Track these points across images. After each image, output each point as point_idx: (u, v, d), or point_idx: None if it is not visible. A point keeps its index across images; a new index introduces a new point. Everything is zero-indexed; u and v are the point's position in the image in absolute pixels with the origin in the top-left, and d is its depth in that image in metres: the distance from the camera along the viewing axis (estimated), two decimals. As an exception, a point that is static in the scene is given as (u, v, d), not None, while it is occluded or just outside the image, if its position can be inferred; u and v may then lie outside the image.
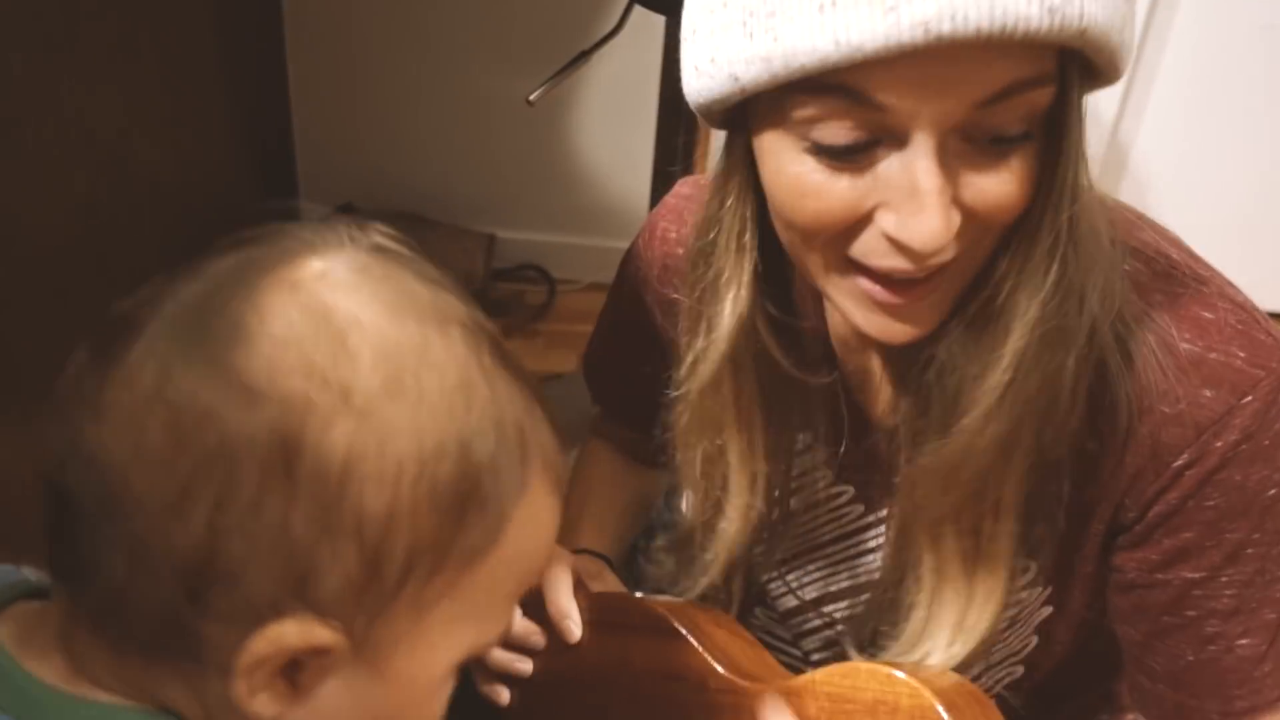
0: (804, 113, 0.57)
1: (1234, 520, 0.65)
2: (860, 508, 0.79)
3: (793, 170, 0.59)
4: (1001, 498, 0.66)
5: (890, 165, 0.57)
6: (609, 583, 0.85)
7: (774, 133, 0.59)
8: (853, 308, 0.64)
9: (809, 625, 0.85)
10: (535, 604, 0.77)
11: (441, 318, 0.46)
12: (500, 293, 2.31)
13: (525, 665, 0.78)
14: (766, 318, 0.69)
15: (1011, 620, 0.75)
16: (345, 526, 0.42)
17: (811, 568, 0.83)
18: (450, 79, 2.24)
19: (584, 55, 1.57)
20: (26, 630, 0.49)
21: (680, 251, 0.79)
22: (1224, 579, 0.67)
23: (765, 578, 0.85)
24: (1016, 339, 0.61)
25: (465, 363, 0.46)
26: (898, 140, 0.56)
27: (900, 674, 0.63)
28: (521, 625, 0.77)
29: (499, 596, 0.49)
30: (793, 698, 0.66)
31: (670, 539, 0.85)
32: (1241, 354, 0.64)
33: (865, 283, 0.62)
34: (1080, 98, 0.58)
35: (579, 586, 0.78)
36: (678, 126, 1.59)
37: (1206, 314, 0.65)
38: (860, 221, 0.59)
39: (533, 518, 0.47)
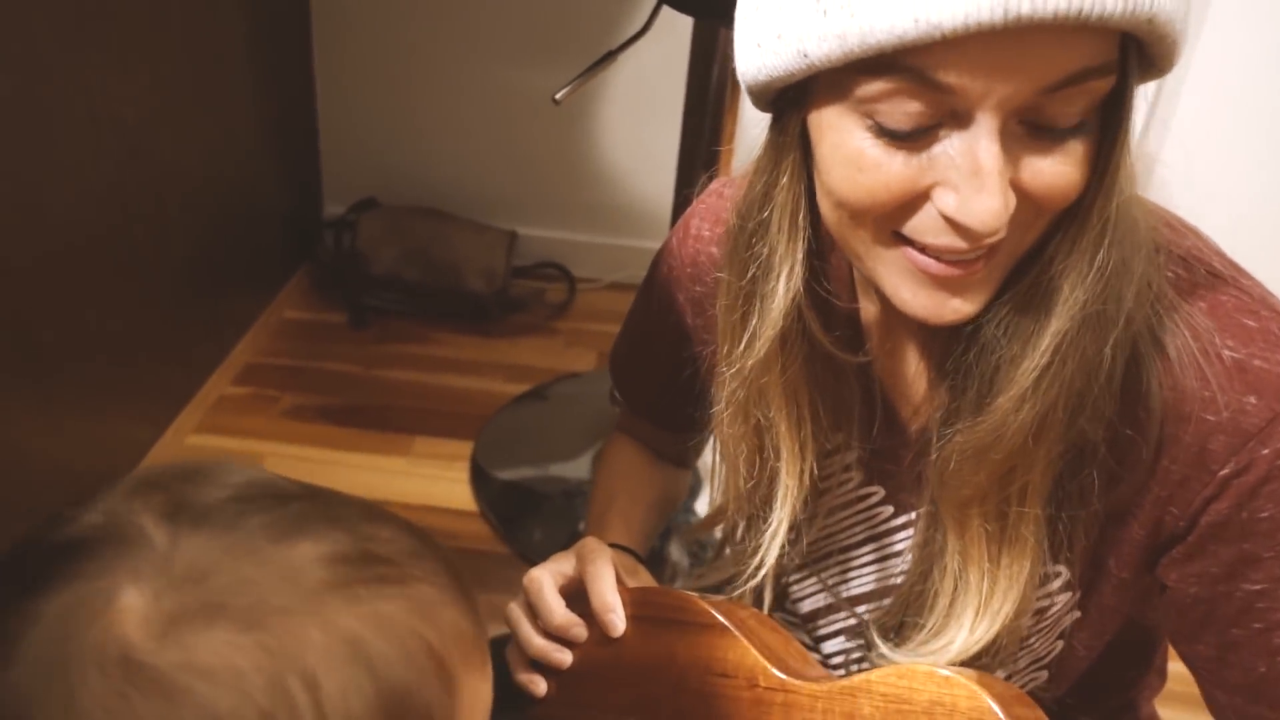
0: (868, 90, 0.57)
1: None
2: (890, 509, 0.79)
3: (852, 146, 0.59)
4: (1030, 482, 0.66)
5: (951, 145, 0.57)
6: (644, 579, 0.84)
7: (834, 109, 0.60)
8: (900, 284, 0.63)
9: (830, 628, 0.85)
10: (578, 596, 0.77)
11: (301, 592, 0.41)
12: (520, 290, 2.32)
13: (564, 656, 0.77)
14: (812, 297, 0.69)
15: (1037, 623, 0.75)
16: None
17: (837, 570, 0.83)
18: (476, 76, 2.24)
19: (611, 55, 1.57)
20: None
21: (714, 250, 0.79)
22: None
23: (788, 579, 0.85)
24: (1059, 322, 0.61)
25: (348, 628, 0.41)
26: (960, 121, 0.57)
27: (958, 676, 0.63)
28: (564, 617, 0.77)
29: None
30: (847, 697, 0.66)
31: (691, 533, 0.85)
32: None
33: (916, 256, 0.62)
34: (1136, 88, 0.58)
35: (619, 581, 0.77)
36: (702, 128, 1.59)
37: (1249, 321, 0.65)
38: (916, 199, 0.60)
39: (474, 704, 0.46)
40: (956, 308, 0.63)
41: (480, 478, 1.85)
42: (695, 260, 0.83)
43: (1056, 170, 0.58)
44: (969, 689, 0.62)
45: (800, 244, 0.66)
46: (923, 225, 0.60)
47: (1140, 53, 0.57)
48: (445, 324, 2.24)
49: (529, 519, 1.77)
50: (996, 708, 0.62)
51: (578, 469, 1.86)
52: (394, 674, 0.42)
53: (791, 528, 0.78)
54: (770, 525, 0.76)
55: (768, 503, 0.76)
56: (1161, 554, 0.70)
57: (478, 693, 0.46)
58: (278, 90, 2.20)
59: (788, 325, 0.69)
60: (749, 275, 0.70)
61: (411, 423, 1.98)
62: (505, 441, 1.94)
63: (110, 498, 0.44)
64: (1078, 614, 0.74)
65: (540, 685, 0.78)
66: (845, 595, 0.83)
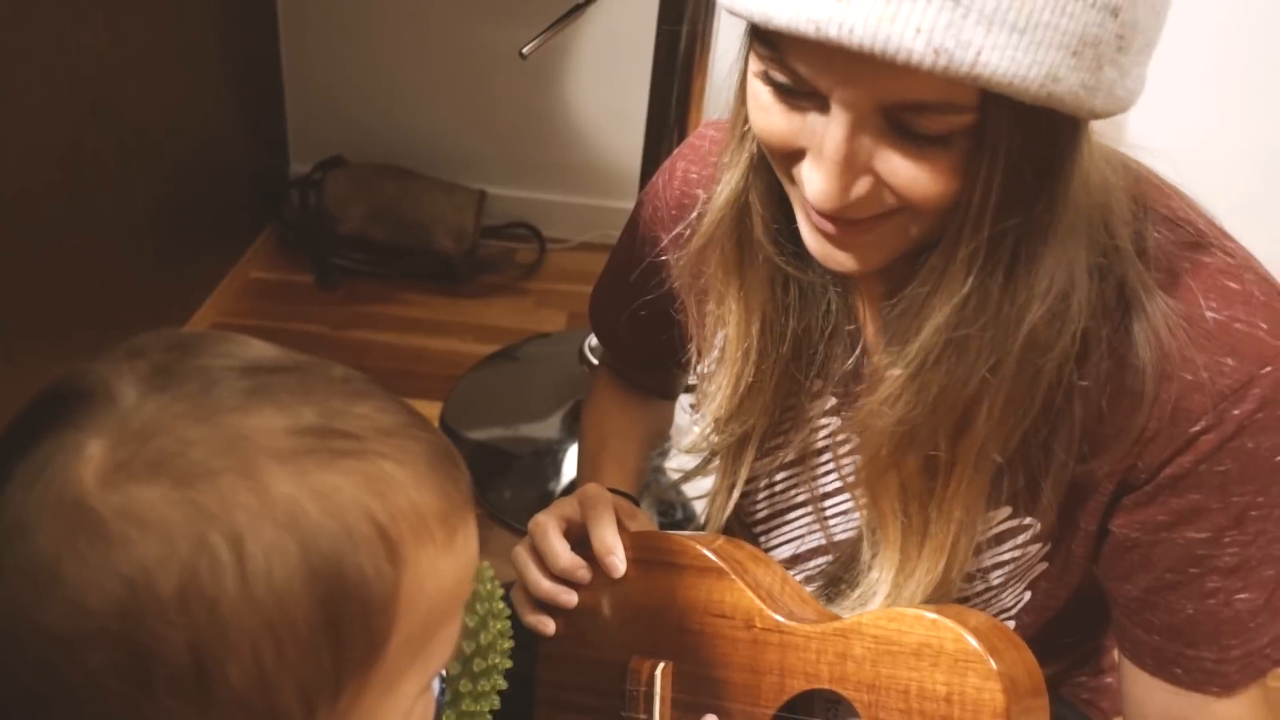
0: (758, 48, 0.62)
1: (1243, 485, 0.66)
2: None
3: (756, 87, 0.63)
4: (938, 460, 0.68)
5: (815, 119, 0.61)
6: (643, 522, 0.87)
7: (752, 51, 0.64)
8: (804, 226, 0.67)
9: (801, 576, 0.86)
10: (581, 541, 0.80)
11: (243, 457, 0.43)
12: (490, 250, 2.30)
13: (570, 597, 0.80)
14: (760, 204, 0.71)
15: (1008, 575, 0.76)
16: (226, 708, 0.43)
17: (801, 522, 0.83)
18: (443, 30, 2.21)
19: (579, 8, 1.56)
20: None
21: (699, 193, 0.81)
22: (1227, 539, 0.68)
23: (760, 529, 0.86)
24: (925, 337, 0.64)
25: (285, 495, 0.43)
26: (823, 102, 0.59)
27: (944, 619, 0.67)
28: (568, 559, 0.80)
29: (428, 650, 0.48)
30: (839, 638, 0.70)
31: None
32: (1264, 325, 0.65)
33: (810, 209, 0.65)
34: (1005, 132, 0.57)
35: (619, 525, 0.81)
36: (671, 85, 1.57)
37: (1232, 284, 0.66)
38: (795, 154, 0.63)
39: (427, 581, 0.46)
40: (841, 261, 0.66)
41: (450, 438, 1.83)
42: (680, 202, 0.83)
43: (912, 174, 0.59)
44: (955, 631, 0.66)
45: (745, 155, 0.70)
46: (801, 178, 0.63)
47: (1014, 104, 0.56)
48: (414, 284, 2.22)
49: (499, 479, 1.77)
50: (982, 649, 0.65)
51: (547, 429, 1.86)
52: (326, 543, 0.43)
53: (769, 472, 0.81)
54: (707, 417, 0.80)
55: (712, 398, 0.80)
56: (1119, 500, 0.71)
57: (436, 569, 0.47)
58: (241, 45, 2.16)
59: (723, 219, 0.72)
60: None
61: (380, 383, 1.96)
62: (475, 402, 1.93)
63: (107, 358, 0.46)
64: (1045, 565, 0.75)
65: (549, 625, 0.81)
66: (817, 545, 0.84)
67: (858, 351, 0.76)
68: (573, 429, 1.83)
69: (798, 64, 0.58)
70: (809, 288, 0.74)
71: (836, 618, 0.73)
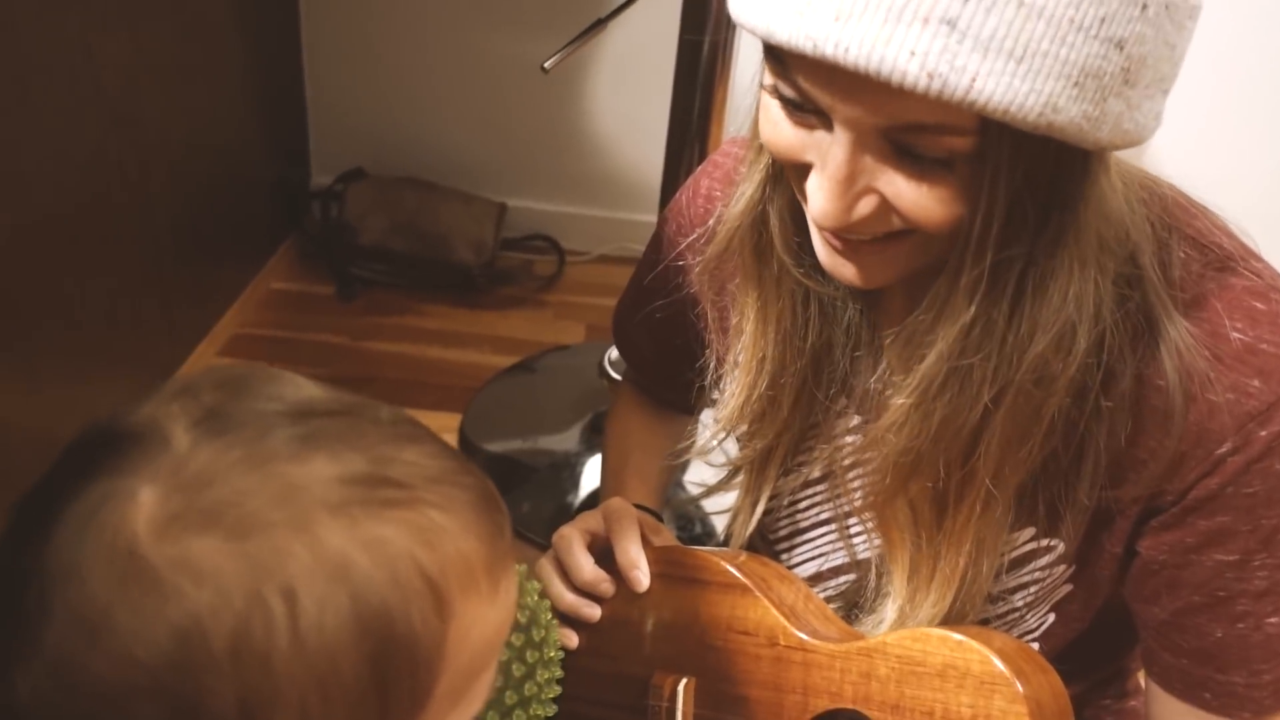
0: (769, 62, 0.62)
1: (1271, 507, 0.66)
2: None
3: (767, 101, 0.64)
4: (947, 489, 0.68)
5: (821, 136, 0.61)
6: (667, 538, 0.87)
7: (768, 65, 0.63)
8: (815, 234, 0.67)
9: (823, 594, 0.85)
10: (605, 553, 0.81)
11: (297, 509, 0.43)
12: (509, 262, 2.30)
13: (594, 611, 0.81)
14: (778, 214, 0.71)
15: (1032, 597, 0.75)
16: None
17: (823, 540, 0.83)
18: (465, 44, 2.22)
19: (600, 23, 1.56)
20: None
21: (721, 210, 0.80)
22: (1256, 562, 0.67)
23: (779, 549, 0.86)
24: (928, 365, 0.64)
25: (337, 547, 0.43)
26: (827, 120, 0.60)
27: (970, 640, 0.66)
28: (591, 572, 0.80)
29: (468, 696, 0.48)
30: (864, 657, 0.69)
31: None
32: None
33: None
34: (1019, 155, 0.57)
35: (644, 540, 0.81)
36: (693, 97, 1.57)
37: (1259, 304, 0.66)
38: (805, 168, 0.63)
39: (472, 631, 0.46)
40: (848, 275, 0.66)
41: (468, 450, 1.84)
42: (704, 219, 0.83)
43: (915, 196, 0.59)
44: (981, 653, 0.65)
45: (761, 167, 0.70)
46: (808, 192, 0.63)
47: (1014, 131, 0.55)
48: (433, 296, 2.22)
49: (517, 491, 1.76)
50: (1008, 671, 0.64)
51: (566, 441, 1.85)
52: (376, 595, 0.43)
53: (791, 489, 0.81)
54: (720, 418, 0.80)
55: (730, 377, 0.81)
56: (1146, 522, 0.70)
57: (481, 618, 0.47)
58: (264, 58, 2.17)
59: (741, 227, 0.72)
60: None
61: (399, 395, 1.96)
62: (493, 414, 1.93)
63: (157, 398, 0.47)
64: (1069, 587, 0.75)
65: (571, 639, 0.82)
66: (841, 563, 0.83)
67: (881, 369, 0.75)
68: (591, 442, 1.82)
69: (801, 80, 0.58)
70: (829, 302, 0.74)
71: (861, 636, 0.73)
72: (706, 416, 1.04)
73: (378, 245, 2.21)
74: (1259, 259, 0.69)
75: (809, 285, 0.73)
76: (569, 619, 0.81)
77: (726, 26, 1.50)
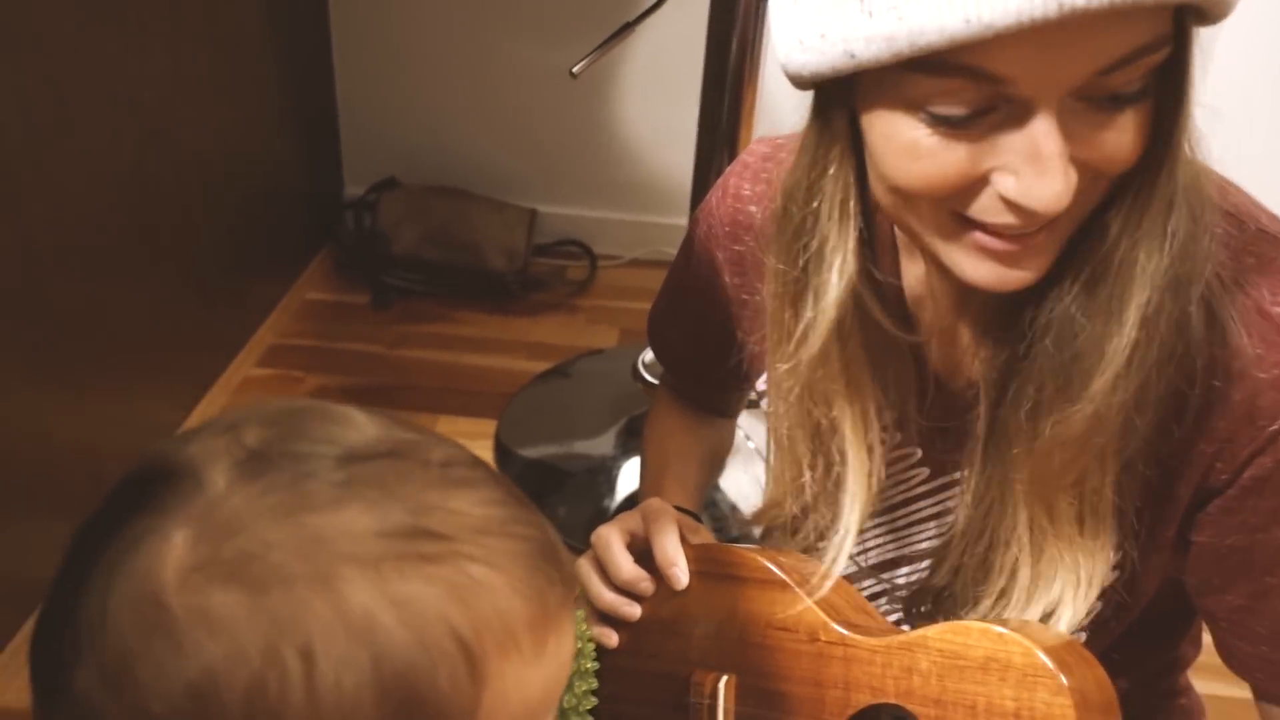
0: (920, 86, 0.57)
1: None
2: (926, 470, 0.78)
3: (906, 136, 0.59)
4: (1109, 450, 0.66)
5: (1009, 130, 0.57)
6: (705, 537, 0.87)
7: (886, 102, 0.59)
8: (962, 260, 0.63)
9: (865, 593, 0.85)
10: (644, 552, 0.81)
11: (322, 564, 0.41)
12: (541, 268, 2.31)
13: (633, 609, 0.80)
14: (866, 282, 0.68)
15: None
16: None
17: (873, 533, 0.83)
18: (494, 52, 2.23)
19: (628, 27, 1.56)
20: None
21: (753, 209, 0.79)
22: None
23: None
24: (1141, 295, 0.61)
25: (361, 605, 0.41)
26: (1017, 105, 0.56)
27: (1012, 633, 0.65)
28: (631, 571, 0.80)
29: None
30: (905, 652, 0.69)
31: (749, 520, 0.86)
32: None
33: (979, 236, 0.62)
34: (1194, 53, 0.58)
35: (682, 538, 0.80)
36: (721, 102, 1.57)
37: None
38: (975, 185, 0.60)
39: (511, 694, 0.44)
40: (1019, 277, 0.63)
41: (504, 456, 1.85)
42: (734, 219, 0.83)
43: (1116, 140, 0.58)
44: (1023, 645, 0.64)
45: (852, 231, 0.66)
46: (982, 207, 0.60)
47: (1198, 14, 0.57)
48: (467, 303, 2.24)
49: (553, 496, 1.77)
50: (1051, 663, 0.63)
51: (601, 446, 1.86)
52: (400, 656, 0.41)
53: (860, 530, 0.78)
54: (839, 532, 0.75)
55: (833, 505, 0.76)
56: (1200, 509, 0.69)
57: (523, 680, 0.44)
58: (296, 71, 2.20)
59: (842, 315, 0.68)
60: (800, 266, 0.69)
61: (434, 402, 1.98)
62: (528, 419, 1.93)
63: (205, 434, 0.45)
64: (1117, 574, 0.74)
65: (612, 638, 0.82)
66: (881, 558, 0.83)
67: (933, 390, 0.75)
68: (626, 445, 1.82)
69: (1003, 68, 0.54)
70: (899, 350, 0.73)
71: (900, 631, 0.72)
72: (743, 421, 1.03)
73: (411, 254, 2.22)
74: None
75: (895, 335, 0.70)
76: (609, 618, 0.82)
77: (755, 26, 1.49)
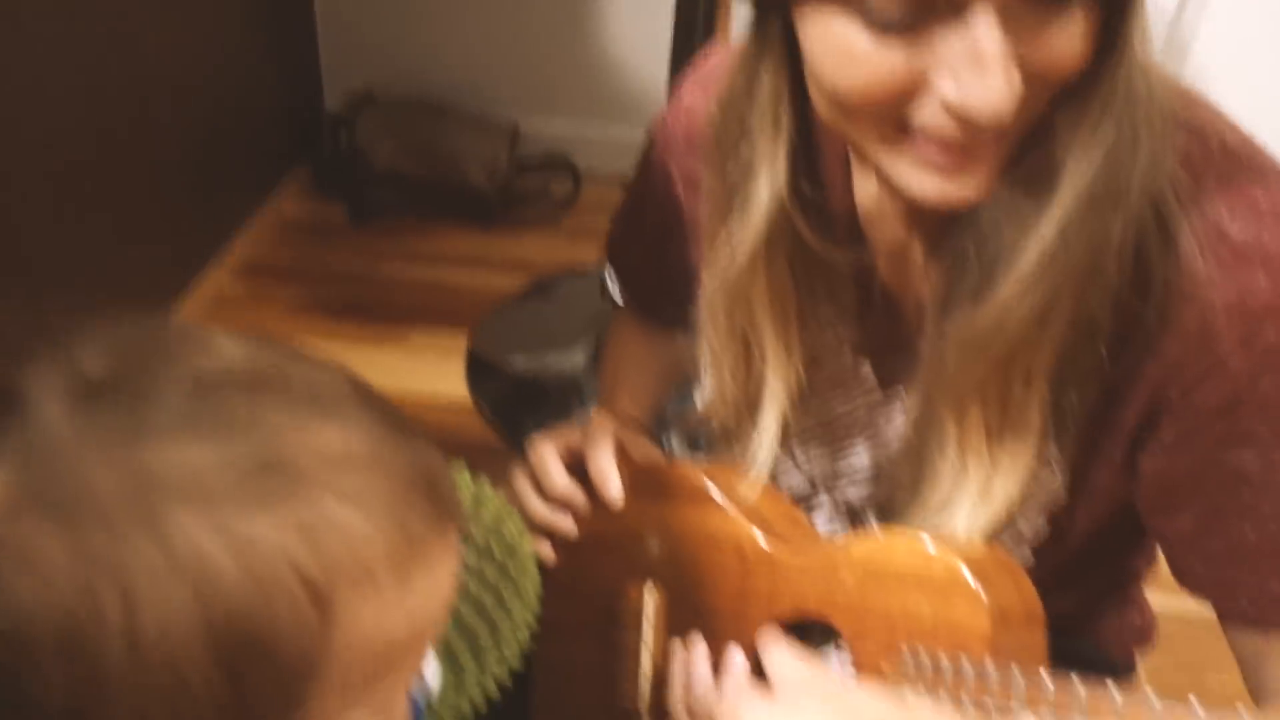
0: None
1: None
2: (875, 386, 0.78)
3: (841, 40, 0.56)
4: (1034, 364, 0.64)
5: (948, 29, 0.55)
6: (647, 449, 0.87)
7: (818, 4, 0.57)
8: (905, 172, 0.61)
9: (814, 505, 0.84)
10: (578, 466, 0.80)
11: (150, 503, 0.39)
12: (524, 184, 2.28)
13: (568, 523, 0.80)
14: (798, 197, 0.67)
15: (1023, 504, 0.73)
16: None
17: (821, 446, 0.82)
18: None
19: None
20: None
21: (703, 121, 0.77)
22: (1278, 457, 0.64)
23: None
24: (1065, 201, 0.59)
25: (192, 546, 0.39)
26: (957, 4, 0.54)
27: (933, 546, 0.64)
28: (564, 484, 0.80)
29: (377, 692, 0.45)
30: (828, 563, 0.69)
31: (685, 425, 0.85)
32: None
33: (922, 146, 0.59)
34: None
35: (619, 452, 0.80)
36: (696, 12, 1.54)
37: (1261, 198, 0.62)
38: (915, 89, 0.57)
39: (369, 632, 0.42)
40: (962, 192, 0.60)
41: (478, 371, 1.84)
42: (688, 133, 0.80)
43: (1061, 43, 0.55)
44: (945, 559, 0.64)
45: (783, 143, 0.64)
46: (925, 114, 0.57)
47: None
48: (447, 220, 2.21)
49: (526, 413, 1.76)
50: (969, 575, 0.62)
51: (577, 362, 1.84)
52: (234, 598, 0.39)
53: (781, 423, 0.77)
54: (759, 429, 0.75)
55: (756, 406, 0.75)
56: (1152, 431, 0.68)
57: (381, 617, 0.42)
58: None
59: (771, 229, 0.67)
60: (730, 178, 0.67)
61: (412, 317, 1.96)
62: (504, 334, 1.92)
63: (46, 358, 0.42)
64: (1063, 495, 0.72)
65: (547, 551, 0.81)
66: (830, 469, 0.82)
67: (880, 307, 0.73)
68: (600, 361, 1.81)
69: None
70: (833, 266, 0.71)
71: (829, 543, 0.71)
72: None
73: (390, 169, 2.19)
74: (1262, 152, 0.65)
75: (826, 253, 0.69)
76: (545, 532, 0.81)
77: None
